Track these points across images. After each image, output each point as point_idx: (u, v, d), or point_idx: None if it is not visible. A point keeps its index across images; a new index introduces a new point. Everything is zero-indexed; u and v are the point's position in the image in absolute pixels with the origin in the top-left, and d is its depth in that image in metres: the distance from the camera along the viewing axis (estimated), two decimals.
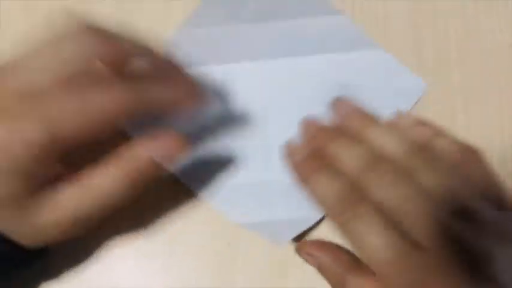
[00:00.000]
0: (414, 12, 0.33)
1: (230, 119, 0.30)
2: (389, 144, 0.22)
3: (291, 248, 0.29)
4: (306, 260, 0.24)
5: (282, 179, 0.28)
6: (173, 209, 0.29)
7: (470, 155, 0.23)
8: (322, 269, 0.23)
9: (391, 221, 0.20)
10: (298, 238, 0.28)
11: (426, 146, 0.22)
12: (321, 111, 0.29)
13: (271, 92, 0.31)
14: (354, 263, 0.22)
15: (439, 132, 0.23)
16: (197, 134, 0.29)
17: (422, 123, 0.24)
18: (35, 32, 0.34)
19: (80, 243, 0.27)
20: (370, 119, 0.25)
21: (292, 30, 0.32)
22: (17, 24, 0.34)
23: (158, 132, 0.23)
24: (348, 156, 0.22)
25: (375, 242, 0.20)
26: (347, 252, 0.23)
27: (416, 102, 0.31)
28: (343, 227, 0.21)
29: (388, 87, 0.31)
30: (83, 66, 0.21)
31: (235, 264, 0.29)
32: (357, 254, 0.21)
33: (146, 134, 0.23)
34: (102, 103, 0.20)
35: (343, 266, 0.22)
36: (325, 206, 0.22)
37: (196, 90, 0.25)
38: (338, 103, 0.27)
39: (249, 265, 0.29)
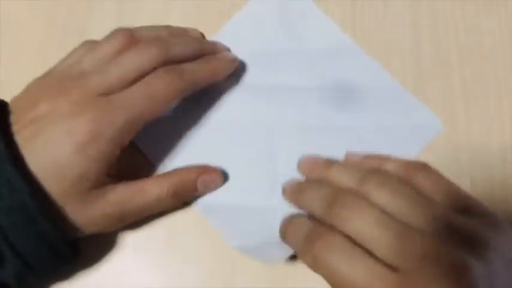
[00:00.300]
0: (414, 12, 0.33)
1: (238, 140, 0.31)
2: (345, 179, 0.23)
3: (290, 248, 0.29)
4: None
5: (282, 207, 0.26)
6: (174, 209, 0.29)
7: (419, 168, 0.23)
8: None
9: (363, 249, 0.20)
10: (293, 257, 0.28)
11: (376, 171, 0.23)
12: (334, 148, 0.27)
13: (285, 121, 0.31)
14: None
15: (386, 158, 0.24)
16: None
17: (369, 156, 0.25)
18: (35, 32, 0.34)
19: (80, 243, 0.27)
20: (326, 164, 0.26)
21: (307, 60, 0.32)
22: (17, 24, 0.34)
23: (208, 167, 0.29)
24: (315, 200, 0.23)
25: (348, 269, 0.19)
26: None
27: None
28: (315, 261, 0.20)
29: (406, 125, 0.31)
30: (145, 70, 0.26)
31: (235, 264, 0.29)
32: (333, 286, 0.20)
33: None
34: (164, 89, 0.26)
35: None
36: (297, 247, 0.23)
37: (229, 61, 0.31)
38: (302, 161, 0.27)
39: (249, 265, 0.29)
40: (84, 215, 0.24)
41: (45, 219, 0.23)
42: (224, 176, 0.29)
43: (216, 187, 0.29)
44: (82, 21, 0.34)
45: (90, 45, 0.28)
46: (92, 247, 0.28)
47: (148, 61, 0.26)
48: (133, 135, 0.26)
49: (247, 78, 0.32)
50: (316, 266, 0.20)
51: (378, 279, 0.19)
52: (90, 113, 0.24)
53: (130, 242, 0.29)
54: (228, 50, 0.32)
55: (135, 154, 0.30)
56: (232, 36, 0.33)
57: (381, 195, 0.21)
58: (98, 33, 0.33)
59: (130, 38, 0.27)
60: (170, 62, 0.27)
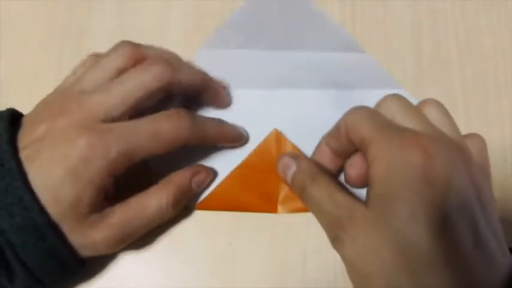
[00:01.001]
0: (414, 12, 0.33)
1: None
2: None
3: (290, 248, 0.29)
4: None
5: None
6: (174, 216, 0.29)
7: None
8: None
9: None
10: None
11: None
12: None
13: (281, 122, 0.31)
14: None
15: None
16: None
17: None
18: (35, 32, 0.34)
19: None
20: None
21: (308, 62, 0.32)
22: (17, 24, 0.34)
23: (196, 167, 0.29)
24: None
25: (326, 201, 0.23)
26: None
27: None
28: (303, 195, 0.24)
29: None
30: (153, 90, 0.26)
31: (235, 264, 0.29)
32: (316, 217, 0.24)
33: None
34: (171, 132, 0.25)
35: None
36: (294, 186, 0.26)
37: (239, 134, 0.30)
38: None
39: (249, 265, 0.29)
40: (84, 239, 0.24)
41: (53, 234, 0.23)
42: (214, 173, 0.29)
43: (208, 185, 0.29)
44: (82, 21, 0.34)
45: (93, 59, 0.27)
46: None
47: (153, 81, 0.25)
48: (126, 168, 0.24)
49: (247, 78, 0.32)
50: (303, 201, 0.25)
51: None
52: (86, 139, 0.23)
53: (130, 244, 0.29)
54: (227, 89, 0.31)
55: None
56: (232, 34, 0.33)
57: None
58: (98, 33, 0.34)
59: (134, 54, 0.26)
60: (176, 86, 0.26)
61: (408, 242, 0.20)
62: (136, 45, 0.27)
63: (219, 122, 0.29)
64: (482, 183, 0.22)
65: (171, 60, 0.27)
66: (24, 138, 0.24)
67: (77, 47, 0.33)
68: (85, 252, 0.25)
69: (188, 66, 0.28)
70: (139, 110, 0.26)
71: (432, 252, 0.20)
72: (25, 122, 0.25)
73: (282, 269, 0.28)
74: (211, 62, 0.32)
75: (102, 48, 0.28)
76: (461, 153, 0.22)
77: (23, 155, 0.23)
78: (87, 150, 0.23)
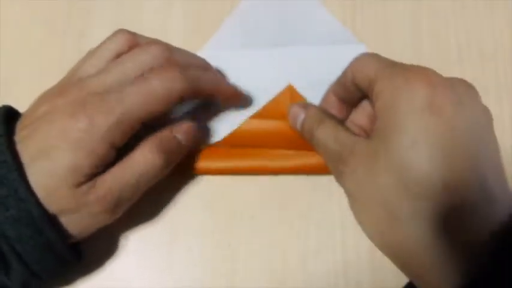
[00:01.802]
0: (414, 12, 0.33)
1: None
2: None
3: (290, 248, 0.29)
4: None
5: None
6: (173, 210, 0.29)
7: None
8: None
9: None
10: None
11: None
12: None
13: (294, 79, 0.31)
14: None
15: None
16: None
17: None
18: (34, 31, 0.34)
19: (83, 245, 0.27)
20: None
21: (308, 57, 0.32)
22: (17, 24, 0.34)
23: (181, 122, 0.28)
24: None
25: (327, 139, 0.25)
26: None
27: None
28: (312, 139, 0.26)
29: None
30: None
31: (235, 264, 0.29)
32: (323, 158, 0.26)
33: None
34: (164, 87, 0.24)
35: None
36: (303, 131, 0.27)
37: (237, 90, 0.30)
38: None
39: (249, 265, 0.29)
40: (77, 206, 0.24)
41: (50, 228, 0.23)
42: (205, 129, 0.29)
43: (197, 136, 0.28)
44: (82, 21, 0.34)
45: (90, 51, 0.28)
46: (94, 248, 0.28)
47: (150, 59, 0.25)
48: (129, 135, 0.25)
49: (247, 75, 0.32)
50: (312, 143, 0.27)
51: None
52: (84, 111, 0.24)
53: (132, 243, 0.29)
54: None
55: None
56: (232, 34, 0.33)
57: None
58: (98, 33, 0.33)
59: (130, 41, 0.27)
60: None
61: (408, 167, 0.21)
62: (132, 33, 0.27)
63: (214, 73, 0.28)
64: (485, 123, 0.23)
65: (166, 44, 0.27)
66: (23, 124, 0.25)
67: (77, 47, 0.33)
68: (85, 223, 0.24)
69: (184, 50, 0.28)
70: None
71: (432, 177, 0.20)
72: (24, 113, 0.26)
73: (282, 269, 0.28)
74: (212, 63, 0.32)
75: None
76: (469, 90, 0.23)
77: (20, 139, 0.24)
78: (86, 119, 0.23)
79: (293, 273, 0.28)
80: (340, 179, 0.24)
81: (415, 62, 0.32)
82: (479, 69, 0.32)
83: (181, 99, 0.25)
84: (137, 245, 0.29)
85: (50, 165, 0.23)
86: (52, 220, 0.23)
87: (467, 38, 0.33)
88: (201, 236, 0.29)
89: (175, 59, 0.26)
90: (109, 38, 0.27)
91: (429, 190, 0.20)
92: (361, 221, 0.23)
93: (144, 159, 0.25)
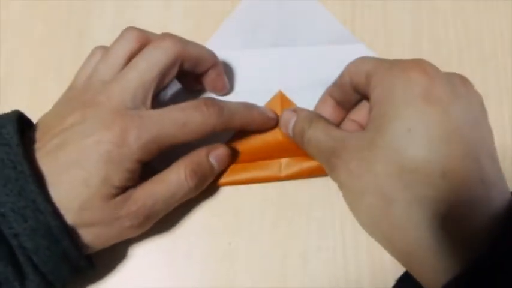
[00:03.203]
0: (414, 12, 0.33)
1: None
2: None
3: (290, 248, 0.29)
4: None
5: None
6: (174, 210, 0.29)
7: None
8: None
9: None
10: None
11: None
12: None
13: (285, 82, 0.31)
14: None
15: None
16: None
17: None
18: (34, 31, 0.34)
19: None
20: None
21: (308, 57, 0.32)
22: (17, 24, 0.34)
23: (216, 144, 0.29)
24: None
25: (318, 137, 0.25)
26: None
27: None
28: (303, 141, 0.26)
29: None
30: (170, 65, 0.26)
31: (235, 264, 0.29)
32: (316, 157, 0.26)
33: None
34: (199, 121, 0.25)
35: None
36: (294, 135, 0.27)
37: (267, 118, 0.30)
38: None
39: (249, 265, 0.29)
40: (109, 217, 0.24)
41: (67, 239, 0.23)
42: (233, 150, 0.29)
43: (228, 161, 0.29)
44: (82, 21, 0.34)
45: (102, 50, 0.28)
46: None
47: (165, 56, 0.26)
48: (156, 155, 0.25)
49: (247, 75, 0.32)
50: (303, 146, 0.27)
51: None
52: (119, 125, 0.24)
53: (132, 243, 0.29)
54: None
55: None
56: (232, 34, 0.33)
57: None
58: (98, 33, 0.34)
59: (141, 38, 0.27)
60: (187, 59, 0.27)
61: (404, 155, 0.21)
62: (141, 30, 0.27)
63: (248, 108, 0.29)
64: (480, 111, 0.23)
65: (178, 36, 0.27)
66: (46, 135, 0.24)
67: (77, 47, 0.33)
68: (110, 233, 0.25)
69: (195, 43, 0.29)
70: (160, 88, 0.27)
71: (429, 164, 0.20)
72: (45, 121, 0.26)
73: (282, 269, 0.28)
74: None
75: None
76: (464, 81, 0.23)
77: (42, 152, 0.24)
78: (120, 134, 0.24)
79: (293, 273, 0.28)
80: (333, 172, 0.24)
81: None
82: (479, 69, 0.32)
83: (213, 133, 0.26)
84: (137, 245, 0.29)
85: (83, 176, 0.23)
86: (69, 231, 0.23)
87: (467, 38, 0.33)
88: (201, 236, 0.29)
89: (188, 51, 0.27)
90: (120, 37, 0.27)
91: (427, 177, 0.20)
92: (355, 210, 0.23)
93: (178, 181, 0.26)
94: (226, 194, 0.30)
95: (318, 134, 0.25)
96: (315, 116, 0.27)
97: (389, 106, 0.22)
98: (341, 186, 0.24)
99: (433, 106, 0.21)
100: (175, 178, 0.26)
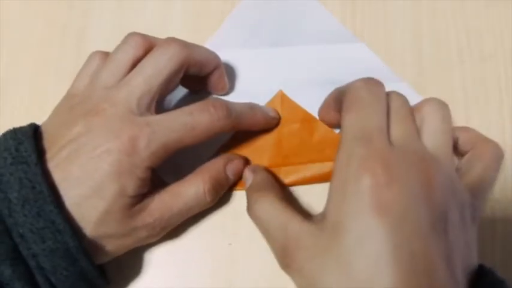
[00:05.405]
0: (414, 12, 0.33)
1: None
2: None
3: None
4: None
5: None
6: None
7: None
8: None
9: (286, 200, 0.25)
10: None
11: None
12: None
13: (286, 81, 0.31)
14: None
15: None
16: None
17: None
18: (34, 31, 0.34)
19: None
20: None
21: (308, 57, 0.32)
22: (17, 24, 0.34)
23: (232, 156, 0.29)
24: None
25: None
26: None
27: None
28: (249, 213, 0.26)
29: None
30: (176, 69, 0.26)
31: (235, 264, 0.29)
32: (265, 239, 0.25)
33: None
34: (207, 124, 0.25)
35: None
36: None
37: (270, 118, 0.30)
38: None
39: (249, 265, 0.29)
40: (126, 228, 0.24)
41: (86, 259, 0.23)
42: (247, 161, 0.30)
43: (241, 174, 0.29)
44: (82, 20, 0.34)
45: (100, 56, 0.27)
46: None
47: (170, 61, 0.26)
48: (164, 160, 0.25)
49: (248, 74, 0.32)
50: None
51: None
52: (127, 133, 0.24)
53: None
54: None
55: None
56: (232, 34, 0.33)
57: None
58: (98, 33, 0.34)
59: (145, 43, 0.26)
60: (193, 64, 0.27)
61: (354, 269, 0.20)
62: (145, 35, 0.27)
63: (252, 109, 0.29)
64: (449, 206, 0.21)
65: (183, 41, 0.27)
66: (54, 146, 0.24)
67: (76, 47, 0.33)
68: (129, 243, 0.25)
69: (198, 45, 0.28)
70: (165, 94, 0.27)
71: (377, 281, 0.19)
72: (49, 130, 0.25)
73: (282, 269, 0.28)
74: None
75: (102, 48, 0.28)
76: (424, 174, 0.21)
77: (54, 165, 0.23)
78: (130, 143, 0.23)
79: None
80: (286, 270, 0.23)
81: (415, 62, 0.32)
82: (479, 69, 0.32)
83: (222, 134, 0.26)
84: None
85: (96, 189, 0.23)
86: (88, 249, 0.23)
87: (467, 38, 0.33)
88: (201, 236, 0.29)
89: (194, 54, 0.27)
90: (123, 42, 0.27)
91: None
92: None
93: (197, 195, 0.26)
94: (226, 194, 0.30)
95: (268, 218, 0.24)
96: (269, 186, 0.26)
97: (341, 215, 0.21)
98: (295, 283, 0.23)
99: (380, 218, 0.20)
100: (193, 193, 0.26)
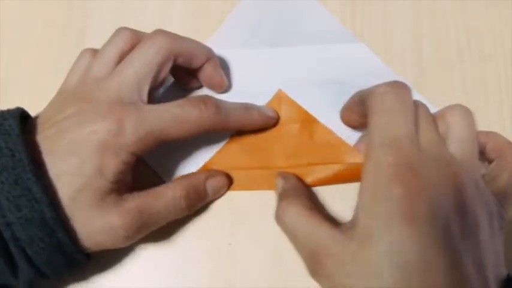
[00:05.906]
0: (414, 12, 0.33)
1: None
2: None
3: (291, 248, 0.29)
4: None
5: None
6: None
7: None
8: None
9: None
10: None
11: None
12: None
13: (285, 81, 0.31)
14: None
15: None
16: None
17: None
18: (34, 31, 0.34)
19: None
20: None
21: (308, 57, 0.32)
22: (17, 24, 0.34)
23: (215, 172, 0.29)
24: None
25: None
26: None
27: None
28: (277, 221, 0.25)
29: None
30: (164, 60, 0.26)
31: (235, 264, 0.29)
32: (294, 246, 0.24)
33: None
34: (196, 119, 0.26)
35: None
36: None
37: (266, 118, 0.30)
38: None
39: (249, 265, 0.29)
40: (103, 221, 0.24)
41: (63, 231, 0.22)
42: (230, 180, 0.30)
43: (223, 192, 0.30)
44: (82, 20, 0.34)
45: (91, 52, 0.28)
46: None
47: (158, 53, 0.26)
48: (149, 149, 0.25)
49: (247, 74, 0.32)
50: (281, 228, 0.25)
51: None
52: (117, 115, 0.24)
53: (132, 243, 0.29)
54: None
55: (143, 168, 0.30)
56: (232, 34, 0.33)
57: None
58: (98, 33, 0.34)
59: (134, 37, 0.27)
60: (181, 54, 0.27)
61: (383, 280, 0.20)
62: (134, 30, 0.28)
63: (246, 109, 0.29)
64: (480, 214, 0.21)
65: (170, 32, 0.27)
66: (45, 124, 0.24)
67: (76, 47, 0.33)
68: (102, 240, 0.24)
69: (189, 38, 0.28)
70: (157, 84, 0.27)
71: None
72: (42, 115, 0.26)
73: (282, 269, 0.28)
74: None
75: None
76: (455, 182, 0.21)
77: (42, 138, 0.24)
78: (118, 124, 0.24)
79: (293, 273, 0.28)
80: (315, 277, 0.23)
81: (415, 62, 0.32)
82: (479, 69, 0.32)
83: (210, 131, 0.27)
84: (137, 245, 0.29)
85: (77, 164, 0.23)
86: (64, 222, 0.23)
87: (467, 38, 0.33)
88: (201, 236, 0.29)
89: (182, 46, 0.27)
90: (113, 36, 0.27)
91: None
92: None
93: (173, 198, 0.26)
94: (226, 194, 0.30)
95: (298, 226, 0.24)
96: (298, 193, 0.26)
97: (372, 221, 0.21)
98: None
99: (410, 227, 0.20)
100: (170, 195, 0.26)
